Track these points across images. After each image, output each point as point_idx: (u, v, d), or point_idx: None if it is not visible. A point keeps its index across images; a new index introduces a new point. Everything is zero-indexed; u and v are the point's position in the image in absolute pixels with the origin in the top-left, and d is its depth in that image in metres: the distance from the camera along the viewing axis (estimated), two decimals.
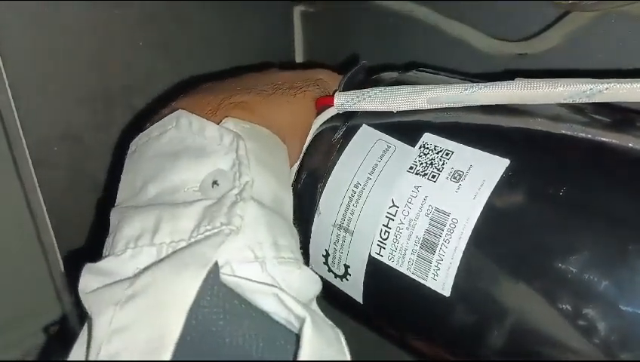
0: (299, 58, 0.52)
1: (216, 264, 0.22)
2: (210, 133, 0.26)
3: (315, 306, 0.25)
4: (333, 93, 0.30)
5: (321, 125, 0.31)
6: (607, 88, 0.24)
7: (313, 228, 0.30)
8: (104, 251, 0.25)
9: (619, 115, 0.27)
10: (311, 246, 0.30)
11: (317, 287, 0.26)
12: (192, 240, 0.23)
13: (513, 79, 0.26)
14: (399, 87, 0.28)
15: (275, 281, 0.23)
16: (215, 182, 0.24)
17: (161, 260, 0.22)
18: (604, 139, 0.25)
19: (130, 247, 0.23)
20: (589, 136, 0.25)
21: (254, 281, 0.22)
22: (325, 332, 0.22)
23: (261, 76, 0.32)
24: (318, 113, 0.31)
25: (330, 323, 0.23)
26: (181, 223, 0.23)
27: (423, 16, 0.41)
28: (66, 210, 0.40)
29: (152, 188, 0.25)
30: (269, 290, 0.22)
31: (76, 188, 0.40)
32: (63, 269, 0.40)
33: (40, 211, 0.38)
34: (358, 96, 0.29)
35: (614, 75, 0.25)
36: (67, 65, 0.37)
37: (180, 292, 0.21)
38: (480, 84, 0.27)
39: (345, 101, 0.29)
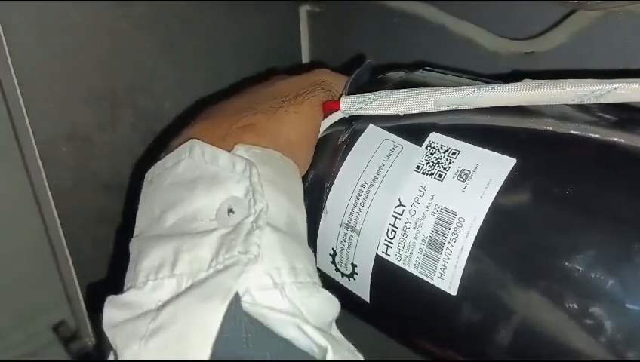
0: (305, 57, 0.52)
1: (237, 294, 0.22)
2: (223, 161, 0.26)
3: (335, 330, 0.26)
4: (340, 97, 0.30)
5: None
6: (615, 88, 0.24)
7: (320, 228, 0.30)
8: (126, 282, 0.25)
9: (625, 114, 0.26)
10: (318, 245, 0.30)
11: (336, 309, 0.26)
12: (211, 270, 0.23)
13: (520, 80, 0.26)
14: (406, 90, 0.28)
15: (295, 306, 0.23)
16: (230, 210, 0.25)
17: (183, 292, 0.23)
18: (610, 138, 0.25)
19: (151, 279, 0.24)
20: (596, 135, 0.25)
21: (275, 310, 0.23)
22: (347, 360, 0.23)
23: (266, 89, 0.32)
24: (325, 116, 0.31)
25: (352, 347, 0.24)
26: (199, 253, 0.24)
27: (429, 15, 0.41)
28: (73, 209, 0.40)
29: (170, 216, 0.26)
30: (290, 320, 0.23)
31: (83, 187, 0.41)
32: (72, 267, 0.40)
33: (49, 210, 0.39)
34: (364, 100, 0.29)
35: (620, 73, 0.25)
36: (74, 65, 0.37)
37: (204, 324, 0.21)
38: (487, 85, 0.27)
39: (351, 105, 0.29)
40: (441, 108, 0.28)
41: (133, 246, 0.26)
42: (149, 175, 0.28)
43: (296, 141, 0.29)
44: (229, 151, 0.27)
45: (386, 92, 0.29)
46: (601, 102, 0.25)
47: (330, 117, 0.31)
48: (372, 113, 0.29)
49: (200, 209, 0.25)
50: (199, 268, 0.23)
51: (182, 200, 0.26)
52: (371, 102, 0.29)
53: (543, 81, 0.26)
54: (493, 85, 0.27)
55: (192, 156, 0.27)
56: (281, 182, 0.27)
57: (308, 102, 0.30)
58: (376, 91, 0.29)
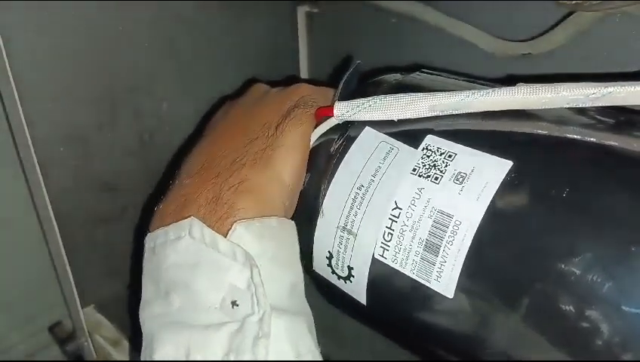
0: (303, 58, 0.52)
1: None
2: (223, 247, 0.27)
3: None
4: (333, 103, 0.30)
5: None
6: (610, 92, 0.24)
7: (317, 230, 0.30)
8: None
9: (622, 117, 0.26)
10: (314, 247, 0.30)
11: None
12: None
13: (515, 84, 0.26)
14: (400, 95, 0.28)
15: None
16: (234, 303, 0.26)
17: None
18: (607, 140, 0.25)
19: None
20: (593, 138, 0.25)
21: None
22: None
23: (246, 122, 0.32)
24: (318, 122, 0.31)
25: None
26: (209, 352, 0.26)
27: (426, 16, 0.41)
28: (71, 210, 0.40)
29: (176, 299, 0.27)
30: None
31: (82, 189, 0.41)
32: (69, 268, 0.40)
33: (46, 211, 0.39)
34: (358, 106, 0.29)
35: (618, 75, 0.25)
36: (72, 66, 0.37)
37: None
38: (482, 90, 0.27)
39: (345, 111, 0.29)
40: (436, 113, 0.28)
41: (145, 322, 0.28)
42: (151, 240, 0.29)
43: (291, 177, 0.30)
44: (227, 220, 0.28)
45: (379, 97, 0.29)
46: (597, 105, 0.25)
47: (323, 124, 0.31)
48: (366, 119, 0.29)
49: (204, 297, 0.27)
50: None
51: (186, 284, 0.27)
52: (365, 108, 0.29)
53: (537, 85, 0.26)
54: (487, 90, 0.27)
55: (193, 235, 0.28)
56: (281, 254, 0.29)
57: (291, 129, 0.31)
58: (370, 95, 0.29)
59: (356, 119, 0.29)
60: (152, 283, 0.29)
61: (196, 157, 0.32)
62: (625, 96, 0.24)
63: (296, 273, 0.29)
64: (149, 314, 0.28)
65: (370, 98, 0.29)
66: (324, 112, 0.30)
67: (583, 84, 0.25)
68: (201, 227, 0.27)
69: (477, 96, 0.26)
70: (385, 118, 0.29)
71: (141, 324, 0.28)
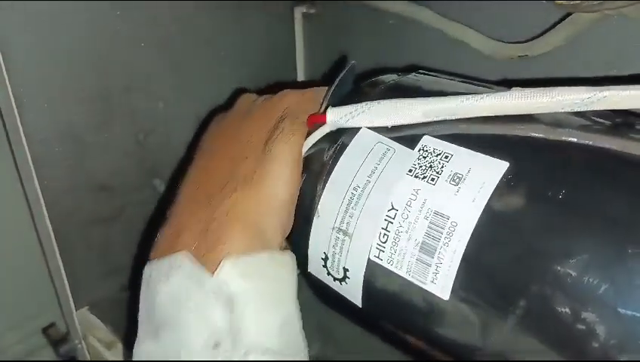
0: (300, 59, 0.52)
1: None
2: (209, 286, 0.27)
3: None
4: (325, 110, 0.29)
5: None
6: (605, 96, 0.24)
7: (312, 231, 0.30)
8: None
9: (619, 118, 0.26)
10: (310, 248, 0.30)
11: None
12: None
13: (511, 87, 0.26)
14: (393, 100, 0.28)
15: None
16: (217, 344, 0.27)
17: None
18: (604, 142, 0.25)
19: None
20: (589, 140, 0.25)
21: None
22: None
23: (233, 146, 0.32)
24: (311, 128, 0.30)
25: None
26: None
27: (424, 17, 0.41)
28: (66, 210, 0.40)
29: (165, 336, 0.28)
30: None
31: (76, 188, 0.41)
32: (63, 269, 0.40)
33: (40, 212, 0.38)
34: (351, 112, 0.29)
35: (615, 77, 0.25)
36: (68, 65, 0.37)
37: None
38: (476, 95, 0.26)
39: (338, 118, 0.29)
40: (429, 119, 0.27)
41: (136, 357, 0.29)
42: (148, 271, 0.29)
43: (285, 193, 0.30)
44: (216, 254, 0.27)
45: (372, 103, 0.29)
46: (592, 109, 0.25)
47: (316, 133, 0.30)
48: (359, 125, 0.29)
49: (189, 337, 0.27)
50: None
51: (174, 322, 0.27)
52: (358, 114, 0.28)
53: (531, 89, 0.26)
54: (481, 95, 0.26)
55: (182, 270, 0.28)
56: (270, 292, 0.28)
57: (280, 145, 0.30)
58: (367, 95, 0.29)
59: (349, 126, 0.29)
60: (146, 318, 0.29)
61: (189, 184, 0.32)
62: (620, 100, 0.24)
63: (288, 310, 0.29)
64: (141, 350, 0.29)
65: (364, 104, 0.29)
66: (318, 119, 0.30)
67: (578, 88, 0.25)
68: (190, 263, 0.27)
69: (472, 102, 0.26)
70: (378, 125, 0.28)
71: (133, 358, 0.29)
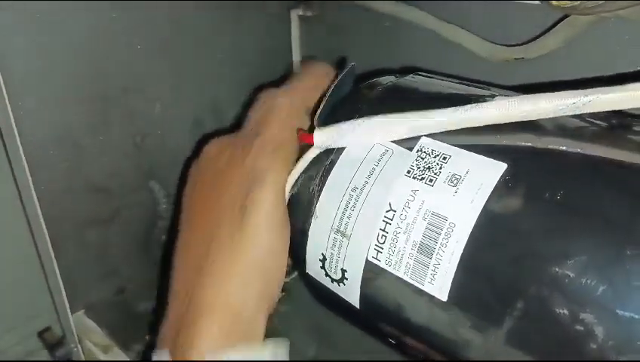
0: (296, 61, 0.52)
1: None
2: None
3: None
4: (314, 130, 0.29)
5: None
6: (590, 100, 0.24)
7: (310, 232, 0.30)
8: None
9: (615, 119, 0.26)
10: (308, 250, 0.30)
11: None
12: None
13: (511, 87, 0.26)
14: (380, 118, 0.28)
15: None
16: None
17: None
18: (600, 143, 0.25)
19: None
20: (586, 141, 0.25)
21: None
22: None
23: (208, 215, 0.29)
24: (301, 147, 0.30)
25: None
26: None
27: (420, 19, 0.41)
28: (61, 213, 0.40)
29: None
30: None
31: (73, 191, 0.40)
32: (58, 273, 0.40)
33: (35, 214, 0.38)
34: (338, 133, 0.28)
35: (613, 79, 0.25)
36: (65, 66, 0.37)
37: None
38: (466, 106, 0.26)
39: (325, 139, 0.29)
40: (416, 134, 0.27)
41: None
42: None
43: (272, 256, 0.28)
44: (188, 353, 0.27)
45: (358, 121, 0.28)
46: (580, 113, 0.25)
47: (305, 156, 0.30)
48: (347, 145, 0.29)
49: None
50: None
51: None
52: (346, 135, 0.28)
53: (515, 98, 0.26)
54: (466, 107, 0.26)
55: None
56: None
57: (258, 202, 0.28)
58: (364, 97, 0.29)
59: (337, 146, 0.29)
60: None
61: (177, 259, 0.31)
62: (606, 103, 0.24)
63: None
64: None
65: (350, 122, 0.28)
66: (305, 139, 0.29)
67: (562, 93, 0.25)
68: None
69: (458, 115, 0.26)
70: (367, 142, 0.28)
71: None
